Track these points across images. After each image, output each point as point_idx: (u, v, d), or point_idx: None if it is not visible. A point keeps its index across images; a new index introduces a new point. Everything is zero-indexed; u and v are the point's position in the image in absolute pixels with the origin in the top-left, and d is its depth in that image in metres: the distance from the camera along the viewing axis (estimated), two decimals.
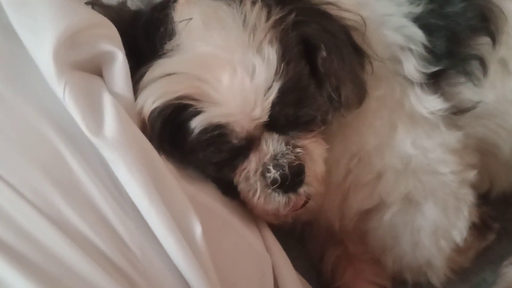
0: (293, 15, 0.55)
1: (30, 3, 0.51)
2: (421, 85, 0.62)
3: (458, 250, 0.69)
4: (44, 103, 0.50)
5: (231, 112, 0.52)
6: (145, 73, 0.53)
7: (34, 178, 0.47)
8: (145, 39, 0.55)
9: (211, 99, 0.52)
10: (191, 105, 0.52)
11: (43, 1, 0.51)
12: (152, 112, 0.52)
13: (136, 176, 0.47)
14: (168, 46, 0.53)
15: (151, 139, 0.52)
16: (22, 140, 0.49)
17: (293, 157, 0.55)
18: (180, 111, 0.53)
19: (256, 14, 0.54)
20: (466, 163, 0.65)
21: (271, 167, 0.55)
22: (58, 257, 0.44)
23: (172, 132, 0.53)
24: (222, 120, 0.52)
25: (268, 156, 0.55)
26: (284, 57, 0.53)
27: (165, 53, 0.53)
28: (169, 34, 0.54)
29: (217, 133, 0.53)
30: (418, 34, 0.61)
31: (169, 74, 0.52)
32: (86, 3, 0.58)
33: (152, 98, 0.52)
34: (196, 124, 0.52)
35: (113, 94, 0.51)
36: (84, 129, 0.48)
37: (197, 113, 0.52)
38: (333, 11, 0.59)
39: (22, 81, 0.51)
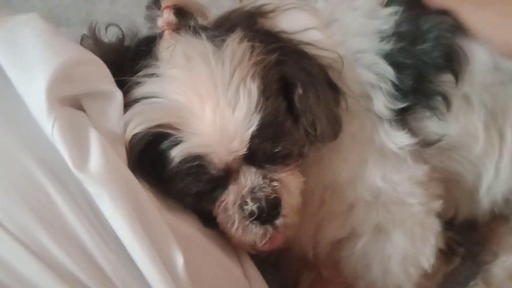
0: (275, 55, 0.58)
1: (18, 40, 0.53)
2: (390, 121, 0.65)
3: (426, 275, 0.72)
4: (28, 138, 0.51)
5: (210, 142, 0.54)
6: (127, 92, 0.55)
7: (18, 213, 0.48)
8: (131, 70, 0.57)
9: (191, 129, 0.54)
10: (171, 134, 0.54)
11: (33, 39, 0.53)
12: (133, 137, 0.54)
13: (121, 210, 0.49)
14: (150, 71, 0.55)
15: (129, 163, 0.53)
16: (6, 176, 0.49)
17: (270, 190, 0.57)
18: (160, 139, 0.54)
19: (241, 51, 0.56)
20: (432, 194, 0.68)
21: (248, 200, 0.57)
22: None
23: (152, 160, 0.55)
24: (201, 150, 0.54)
25: (246, 189, 0.57)
26: (264, 92, 0.56)
27: (148, 78, 0.55)
28: (153, 63, 0.56)
29: (196, 164, 0.55)
30: (388, 71, 0.64)
31: (152, 97, 0.54)
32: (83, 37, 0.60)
33: (134, 123, 0.54)
34: (176, 153, 0.54)
35: (106, 130, 0.53)
36: (70, 164, 0.49)
37: (177, 142, 0.54)
38: (311, 50, 0.62)
39: (7, 117, 0.52)
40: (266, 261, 0.73)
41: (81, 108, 0.55)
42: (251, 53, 0.57)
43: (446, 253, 0.78)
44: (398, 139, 0.65)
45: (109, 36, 0.65)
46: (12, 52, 0.52)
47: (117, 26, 0.64)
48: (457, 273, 0.81)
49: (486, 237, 0.82)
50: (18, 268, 0.46)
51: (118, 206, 0.49)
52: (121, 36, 0.63)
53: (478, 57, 0.67)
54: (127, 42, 0.63)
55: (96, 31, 0.63)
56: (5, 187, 0.49)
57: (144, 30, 0.64)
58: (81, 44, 0.62)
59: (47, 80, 0.50)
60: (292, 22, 0.64)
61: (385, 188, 0.65)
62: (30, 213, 0.48)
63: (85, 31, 0.64)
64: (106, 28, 0.64)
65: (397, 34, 0.65)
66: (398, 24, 0.66)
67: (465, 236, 0.82)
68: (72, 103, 0.54)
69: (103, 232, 0.49)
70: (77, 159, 0.49)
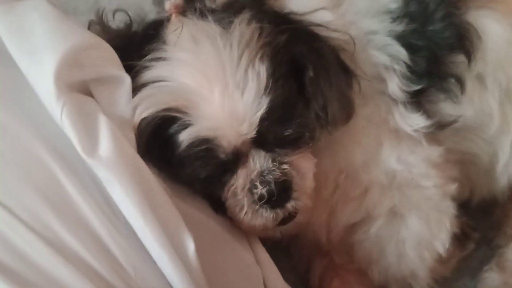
0: (285, 36, 0.57)
1: (25, 26, 0.52)
2: (404, 103, 0.64)
3: (440, 260, 0.71)
4: (38, 124, 0.51)
5: (219, 125, 0.54)
6: (135, 77, 0.55)
7: (29, 199, 0.47)
8: (138, 55, 0.56)
9: (200, 112, 0.53)
10: (179, 118, 0.54)
11: (40, 24, 0.52)
12: (141, 121, 0.54)
13: (131, 196, 0.48)
14: (158, 55, 0.55)
15: (138, 148, 0.53)
16: (17, 162, 0.49)
17: (279, 173, 0.56)
18: (169, 123, 0.54)
19: (249, 33, 0.55)
20: (447, 177, 0.68)
21: (258, 184, 0.56)
22: (54, 278, 0.45)
23: (161, 145, 0.55)
24: (210, 133, 0.54)
25: (255, 173, 0.56)
26: (274, 75, 0.55)
27: (156, 62, 0.55)
28: (160, 47, 0.55)
29: (205, 147, 0.54)
30: (402, 53, 0.63)
31: (160, 81, 0.54)
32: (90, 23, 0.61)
33: (142, 107, 0.54)
34: (184, 137, 0.54)
35: (115, 116, 0.52)
36: (80, 149, 0.49)
37: (186, 126, 0.54)
38: (322, 32, 0.61)
39: (16, 103, 0.52)
40: (278, 248, 0.73)
41: (89, 94, 0.54)
42: (260, 34, 0.56)
43: (460, 239, 0.77)
44: (413, 121, 0.64)
45: (117, 22, 0.64)
46: (20, 37, 0.52)
47: (125, 11, 0.64)
48: (471, 258, 0.80)
49: (501, 220, 0.81)
50: (29, 254, 0.45)
51: (128, 191, 0.48)
52: (128, 22, 0.62)
53: (490, 33, 0.66)
54: (134, 27, 0.63)
55: (103, 17, 0.63)
56: (16, 173, 0.49)
57: (151, 17, 0.64)
58: (88, 30, 0.61)
59: (56, 65, 0.49)
60: (301, 3, 0.63)
61: (400, 170, 0.65)
62: (41, 199, 0.48)
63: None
64: (114, 14, 0.64)
65: (408, 15, 0.64)
66: (406, 3, 0.64)
67: (480, 221, 0.81)
68: (80, 89, 0.53)
69: (113, 218, 0.49)
70: (86, 145, 0.49)
